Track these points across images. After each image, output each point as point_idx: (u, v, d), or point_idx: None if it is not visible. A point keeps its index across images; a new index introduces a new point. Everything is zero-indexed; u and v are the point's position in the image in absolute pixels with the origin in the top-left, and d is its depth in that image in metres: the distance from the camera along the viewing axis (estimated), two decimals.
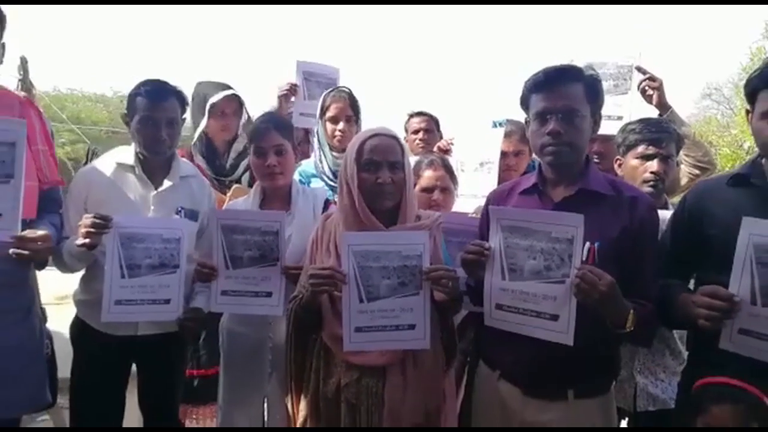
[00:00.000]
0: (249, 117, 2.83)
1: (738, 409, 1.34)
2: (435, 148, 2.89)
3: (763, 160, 1.56)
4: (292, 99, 2.96)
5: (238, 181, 2.68)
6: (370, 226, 1.68)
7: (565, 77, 1.62)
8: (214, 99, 2.65)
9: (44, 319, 2.03)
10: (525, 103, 1.70)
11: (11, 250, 1.67)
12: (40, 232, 1.73)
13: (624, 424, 2.09)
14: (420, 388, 1.68)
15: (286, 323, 1.84)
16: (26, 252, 1.69)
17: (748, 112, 1.58)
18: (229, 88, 2.74)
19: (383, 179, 1.66)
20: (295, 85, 2.94)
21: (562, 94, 1.59)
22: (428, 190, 2.19)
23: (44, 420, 2.54)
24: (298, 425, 1.79)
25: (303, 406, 1.77)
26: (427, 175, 2.21)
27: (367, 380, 1.66)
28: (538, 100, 1.62)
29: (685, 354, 1.87)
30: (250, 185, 2.64)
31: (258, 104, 2.98)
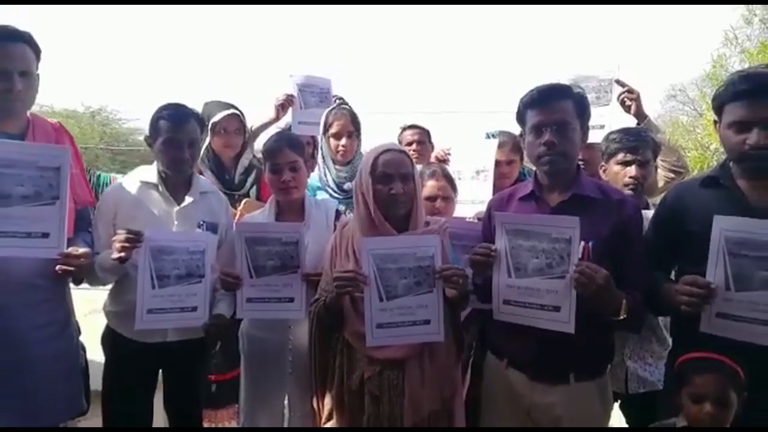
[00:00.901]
0: (250, 133, 2.98)
1: (717, 377, 1.53)
2: (433, 158, 3.06)
3: (731, 164, 1.74)
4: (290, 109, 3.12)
5: (247, 194, 2.81)
6: (384, 232, 1.84)
7: (557, 94, 1.81)
8: (215, 118, 2.78)
9: (79, 331, 2.14)
10: (521, 119, 1.89)
11: (58, 267, 1.80)
12: (82, 250, 1.86)
13: (617, 405, 2.27)
14: (436, 378, 1.84)
15: (309, 325, 1.98)
16: (71, 268, 1.82)
17: (715, 122, 1.76)
18: (233, 107, 2.87)
19: (396, 190, 1.83)
20: (292, 96, 3.10)
21: (555, 109, 1.78)
22: (431, 198, 2.33)
23: None
24: (323, 418, 1.93)
25: (328, 400, 1.91)
26: (430, 185, 2.36)
27: (388, 373, 1.82)
28: (534, 115, 1.81)
29: (670, 340, 2.04)
30: (258, 198, 2.79)
31: (251, 114, 3.12)
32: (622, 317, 1.64)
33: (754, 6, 8.07)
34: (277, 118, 3.12)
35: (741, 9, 8.31)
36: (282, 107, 3.09)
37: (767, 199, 1.63)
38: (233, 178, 2.87)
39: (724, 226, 1.55)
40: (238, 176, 2.88)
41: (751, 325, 1.51)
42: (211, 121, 2.79)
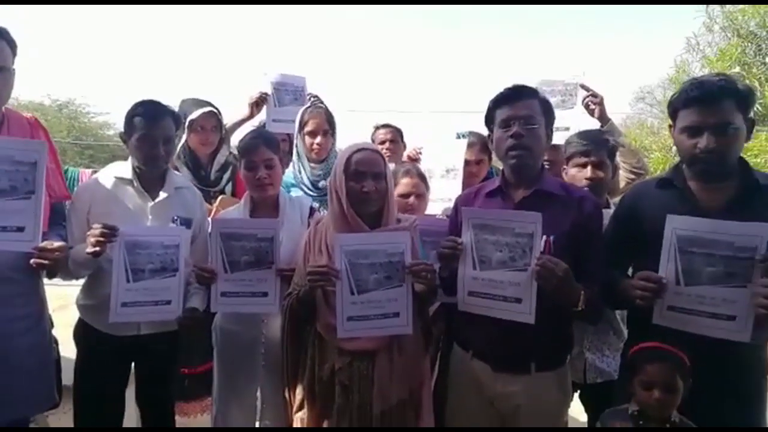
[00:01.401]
0: (225, 130, 3.02)
1: (665, 366, 1.63)
2: (405, 157, 3.14)
3: (684, 166, 1.83)
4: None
5: (223, 191, 2.84)
6: (357, 229, 1.90)
7: (525, 93, 1.91)
8: (193, 115, 2.80)
9: (51, 325, 2.15)
10: (490, 119, 1.97)
11: (33, 260, 1.82)
12: (57, 243, 1.87)
13: (576, 396, 2.38)
14: (405, 369, 1.92)
15: (281, 318, 2.03)
16: (46, 261, 1.84)
17: (670, 126, 1.86)
18: (210, 104, 2.90)
19: (368, 188, 1.88)
20: (266, 94, 3.15)
21: (523, 106, 1.87)
22: (405, 195, 2.42)
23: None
24: (294, 408, 1.99)
25: (299, 390, 1.97)
26: (404, 182, 2.44)
27: (359, 364, 1.88)
28: (503, 112, 1.90)
29: (626, 333, 2.15)
30: (234, 195, 2.83)
31: (226, 111, 3.16)
32: (580, 308, 1.72)
33: (715, 15, 8.41)
34: (251, 116, 3.17)
35: (703, 17, 8.70)
36: (256, 105, 3.14)
37: (716, 200, 1.73)
38: (209, 174, 2.89)
39: (675, 225, 1.64)
40: (214, 173, 2.91)
41: (698, 318, 1.61)
42: (189, 119, 2.81)
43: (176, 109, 2.43)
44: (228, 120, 3.08)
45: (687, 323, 1.63)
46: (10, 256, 1.84)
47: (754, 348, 1.71)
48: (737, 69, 7.88)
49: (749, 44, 8.07)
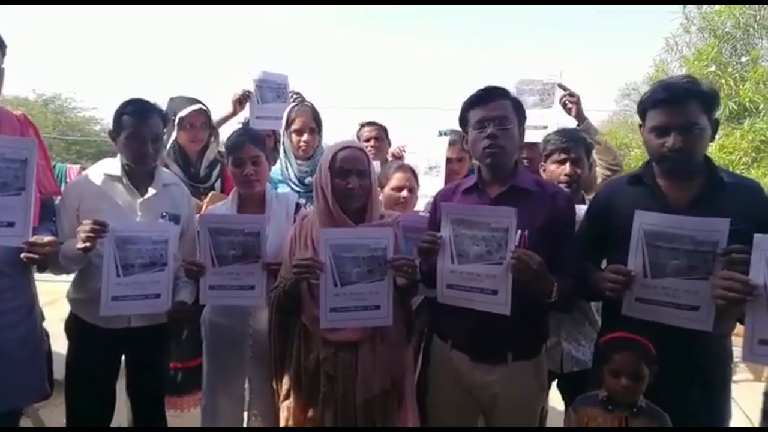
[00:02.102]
0: (214, 127, 3.06)
1: (632, 355, 1.72)
2: (389, 155, 3.21)
3: (653, 164, 1.91)
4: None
5: (212, 187, 2.89)
6: (342, 224, 1.96)
7: (497, 94, 1.98)
8: (182, 113, 2.84)
9: (42, 318, 2.20)
10: (464, 119, 2.04)
11: (23, 254, 1.86)
12: (47, 238, 1.92)
13: (554, 385, 2.47)
14: (387, 359, 1.99)
15: (269, 310, 2.09)
16: (36, 255, 1.88)
17: (640, 125, 1.93)
18: (199, 102, 2.94)
19: (353, 184, 1.95)
20: (249, 92, 3.20)
21: (496, 107, 1.94)
22: (398, 189, 2.54)
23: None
24: (281, 397, 2.06)
25: (286, 380, 2.04)
26: (398, 176, 2.56)
27: (343, 354, 1.96)
28: (477, 113, 1.96)
29: (600, 323, 2.21)
30: (223, 191, 2.88)
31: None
32: (553, 300, 1.79)
33: (692, 16, 8.60)
34: (234, 113, 3.22)
35: (681, 18, 8.91)
36: (239, 102, 3.19)
37: (683, 197, 1.80)
38: (199, 171, 2.94)
39: (643, 220, 1.71)
40: (204, 170, 2.95)
41: (664, 308, 1.68)
42: (178, 116, 2.84)
43: (165, 107, 2.48)
44: (214, 117, 3.12)
45: (654, 314, 1.70)
46: (1, 250, 1.89)
47: (718, 337, 1.80)
48: (713, 68, 8.07)
49: (725, 44, 8.26)
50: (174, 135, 2.88)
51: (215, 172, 2.95)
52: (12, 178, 1.82)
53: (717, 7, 8.23)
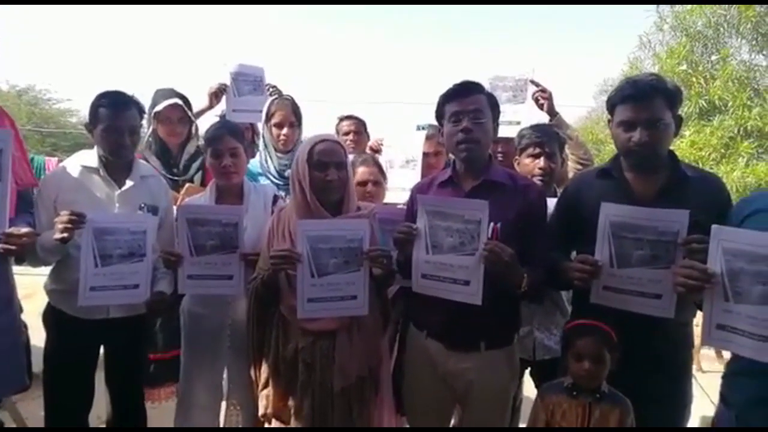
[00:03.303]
0: (194, 121, 3.07)
1: (593, 340, 1.79)
2: (367, 148, 3.24)
3: (621, 158, 1.97)
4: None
5: (191, 180, 2.89)
6: (319, 216, 1.99)
7: (472, 89, 2.02)
8: (158, 107, 2.84)
9: (21, 309, 2.20)
10: (440, 113, 2.08)
11: (0, 246, 1.87)
12: (24, 229, 1.92)
13: (527, 373, 2.54)
14: (364, 348, 2.04)
15: (247, 300, 2.12)
16: (13, 247, 1.89)
17: (609, 120, 1.99)
18: (179, 96, 2.94)
19: (331, 176, 1.98)
20: (225, 85, 3.21)
21: (471, 101, 1.98)
22: (362, 183, 2.54)
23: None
24: (260, 386, 2.09)
25: (264, 369, 2.08)
26: (361, 171, 2.56)
27: (321, 343, 2.00)
28: (452, 107, 2.00)
29: (571, 311, 2.27)
30: (202, 184, 2.89)
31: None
32: (523, 290, 1.85)
33: (666, 15, 8.78)
34: (210, 106, 3.24)
35: (654, 17, 9.10)
36: (215, 96, 3.20)
37: (648, 189, 1.87)
38: (179, 164, 2.94)
39: (608, 212, 1.77)
40: (184, 162, 2.96)
41: (629, 297, 1.75)
42: (155, 110, 2.84)
43: (142, 98, 2.47)
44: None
45: (620, 302, 1.76)
46: None
47: (680, 324, 1.87)
48: (684, 66, 8.26)
49: (696, 43, 8.43)
50: (152, 127, 2.88)
51: (195, 165, 2.95)
52: None
53: (689, 6, 8.40)
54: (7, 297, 2.08)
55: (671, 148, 1.94)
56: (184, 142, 2.97)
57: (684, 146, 7.47)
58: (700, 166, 6.98)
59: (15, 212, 1.99)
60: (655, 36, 9.23)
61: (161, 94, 2.92)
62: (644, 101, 1.82)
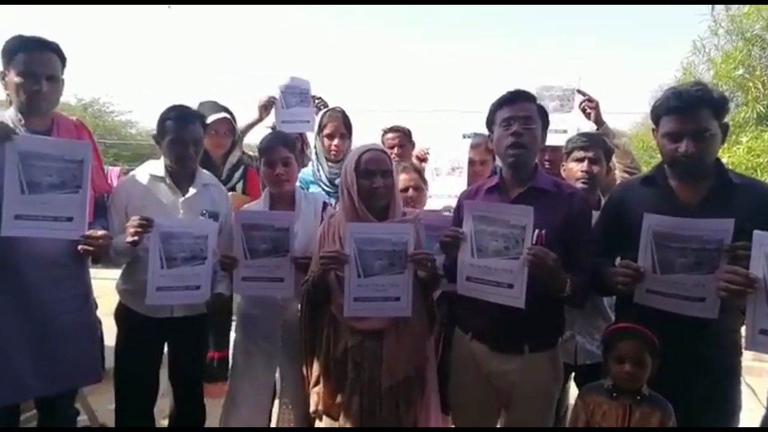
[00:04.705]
0: (239, 133, 3.24)
1: (636, 343, 1.81)
2: (413, 158, 3.33)
3: (666, 166, 1.98)
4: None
5: (233, 188, 3.05)
6: (366, 221, 2.09)
7: (524, 97, 2.09)
8: (208, 120, 2.93)
9: (96, 306, 2.40)
10: (491, 120, 2.14)
11: (80, 246, 2.06)
12: (101, 232, 2.11)
13: (572, 379, 2.56)
14: (410, 348, 2.12)
15: (300, 301, 2.24)
16: (91, 248, 2.07)
17: (653, 129, 2.02)
18: (225, 110, 3.12)
19: (377, 184, 2.09)
20: (273, 98, 3.35)
21: (522, 108, 2.05)
22: (404, 189, 2.64)
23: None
24: (311, 383, 2.20)
25: (316, 367, 2.18)
26: (402, 178, 2.66)
27: (369, 343, 2.09)
28: (504, 113, 2.06)
29: (614, 318, 2.29)
30: (244, 192, 3.06)
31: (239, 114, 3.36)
32: (566, 294, 1.89)
33: (720, 18, 8.49)
34: (260, 119, 3.38)
35: (708, 21, 8.82)
36: (265, 108, 3.35)
37: (693, 197, 1.89)
38: (221, 173, 3.09)
39: (651, 222, 1.79)
40: (226, 171, 3.12)
41: (672, 299, 1.77)
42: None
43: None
44: (241, 123, 3.30)
45: (663, 303, 1.78)
46: (61, 243, 2.08)
47: (727, 330, 1.88)
48: (741, 71, 7.97)
49: (753, 47, 8.12)
50: None
51: (237, 174, 3.12)
52: (70, 178, 2.01)
53: (745, 9, 8.11)
54: (84, 294, 2.28)
55: (728, 155, 1.94)
56: (227, 152, 3.13)
57: (741, 153, 7.18)
58: (758, 173, 6.73)
59: (92, 217, 2.17)
60: (709, 40, 8.94)
61: (207, 107, 3.09)
62: (690, 113, 1.84)
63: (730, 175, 1.90)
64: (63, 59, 2.16)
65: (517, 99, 2.07)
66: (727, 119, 1.95)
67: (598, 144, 2.56)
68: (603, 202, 2.51)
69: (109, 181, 2.50)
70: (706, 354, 1.85)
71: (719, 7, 8.60)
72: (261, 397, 2.52)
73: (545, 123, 2.13)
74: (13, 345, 2.07)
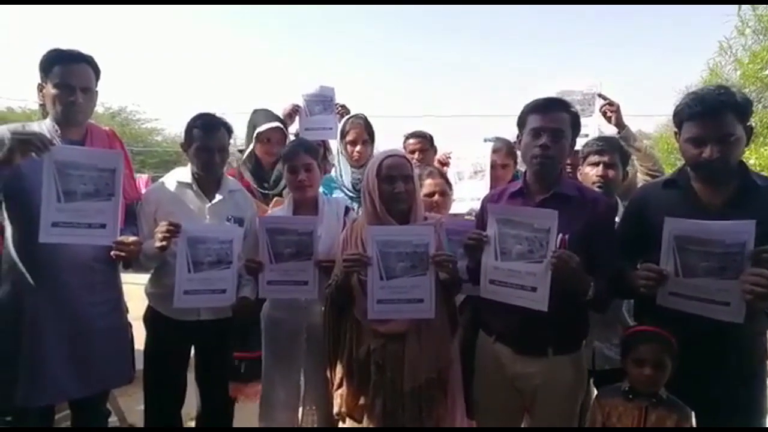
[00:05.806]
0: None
1: (656, 346, 1.82)
2: (436, 162, 3.35)
3: (688, 169, 1.97)
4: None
5: (280, 194, 3.09)
6: (388, 225, 2.12)
7: (558, 106, 2.08)
8: (260, 128, 3.09)
9: (127, 310, 2.48)
10: (522, 121, 2.12)
11: (113, 252, 2.14)
12: (132, 238, 2.19)
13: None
14: (433, 350, 2.13)
15: (323, 304, 2.28)
16: (123, 253, 2.15)
17: (676, 133, 2.00)
18: (277, 119, 3.19)
19: (399, 189, 2.12)
20: (298, 106, 3.42)
21: (554, 118, 2.03)
22: (430, 194, 2.66)
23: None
24: (335, 385, 2.23)
25: (339, 369, 2.21)
26: (428, 183, 2.69)
27: (391, 345, 2.11)
28: (535, 120, 2.05)
29: (632, 323, 2.27)
30: None
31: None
32: (589, 298, 1.89)
33: (747, 18, 8.33)
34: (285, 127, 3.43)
35: (735, 20, 8.65)
36: (289, 116, 3.42)
37: (716, 199, 1.89)
38: (270, 180, 3.17)
39: (673, 226, 1.78)
40: (274, 178, 3.18)
41: (697, 302, 1.75)
42: (256, 131, 3.09)
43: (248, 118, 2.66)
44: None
45: (687, 306, 1.77)
46: (94, 248, 2.17)
47: (753, 334, 1.87)
48: None
49: None
50: (251, 146, 3.13)
51: (284, 181, 3.17)
52: (103, 186, 2.09)
53: None
54: (115, 299, 2.36)
55: (755, 156, 1.93)
56: (276, 160, 3.18)
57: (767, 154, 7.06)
58: None
59: (123, 223, 2.24)
60: (736, 41, 8.79)
61: (262, 115, 3.17)
62: (713, 118, 1.82)
63: (753, 176, 1.89)
64: (97, 71, 2.25)
65: (550, 108, 2.06)
66: (753, 120, 1.93)
67: (614, 148, 2.55)
68: (620, 206, 2.50)
69: (139, 189, 2.57)
70: (726, 358, 1.84)
71: (746, 7, 8.45)
72: (291, 398, 2.56)
73: (576, 131, 2.11)
74: (52, 348, 2.15)
